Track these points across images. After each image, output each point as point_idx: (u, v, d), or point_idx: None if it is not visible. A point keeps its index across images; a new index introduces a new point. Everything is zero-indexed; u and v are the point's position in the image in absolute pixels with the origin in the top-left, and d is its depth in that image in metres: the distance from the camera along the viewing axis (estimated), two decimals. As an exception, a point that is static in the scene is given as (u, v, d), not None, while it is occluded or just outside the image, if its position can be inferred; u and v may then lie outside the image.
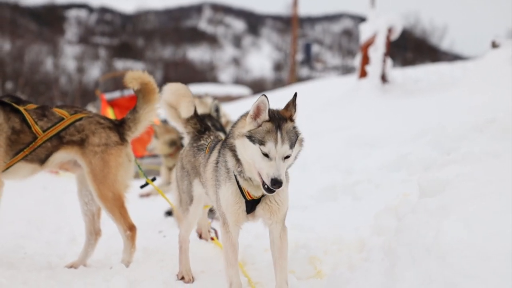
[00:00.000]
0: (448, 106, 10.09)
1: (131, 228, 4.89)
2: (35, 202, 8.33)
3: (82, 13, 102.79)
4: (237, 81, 74.76)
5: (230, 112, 10.03)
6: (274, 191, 3.37)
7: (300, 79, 44.29)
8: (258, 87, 59.16)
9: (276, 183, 3.27)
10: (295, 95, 3.52)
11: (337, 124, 11.97)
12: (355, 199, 7.15)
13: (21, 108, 4.75)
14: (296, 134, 3.48)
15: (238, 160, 3.55)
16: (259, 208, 3.69)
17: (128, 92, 14.17)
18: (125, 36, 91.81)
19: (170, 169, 9.23)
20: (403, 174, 7.42)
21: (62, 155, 4.84)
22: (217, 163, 3.83)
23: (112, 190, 4.82)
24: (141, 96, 5.06)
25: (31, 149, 4.72)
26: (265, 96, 3.40)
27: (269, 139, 3.33)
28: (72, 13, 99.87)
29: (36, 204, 8.17)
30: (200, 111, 7.98)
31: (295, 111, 3.51)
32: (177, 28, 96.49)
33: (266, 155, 3.33)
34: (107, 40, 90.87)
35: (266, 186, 3.34)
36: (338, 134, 10.69)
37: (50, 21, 77.94)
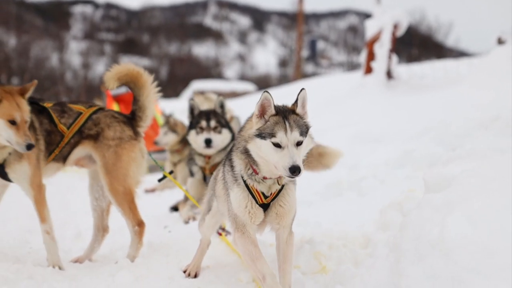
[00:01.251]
0: (453, 102, 10.07)
1: (140, 223, 4.86)
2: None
3: (88, 9, 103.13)
4: (242, 77, 74.87)
5: (236, 108, 10.04)
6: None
7: (305, 76, 44.27)
8: (263, 83, 59.24)
9: (295, 170, 3.23)
10: (301, 90, 3.50)
11: (342, 120, 11.96)
12: (360, 195, 7.15)
13: (47, 106, 4.71)
14: (306, 125, 3.46)
15: (248, 163, 3.53)
16: (269, 213, 3.66)
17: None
18: (131, 32, 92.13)
19: (175, 164, 9.24)
20: (408, 170, 7.42)
21: (79, 151, 4.82)
22: (224, 176, 3.82)
23: (123, 185, 4.79)
24: (133, 86, 5.05)
25: (60, 148, 4.71)
26: (268, 92, 3.41)
27: (278, 129, 3.32)
28: (78, 9, 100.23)
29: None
30: (205, 107, 8.04)
31: (297, 106, 3.49)
32: (182, 24, 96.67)
33: (278, 145, 3.31)
34: (112, 36, 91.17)
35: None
36: (343, 130, 10.69)
37: (56, 16, 78.18)
